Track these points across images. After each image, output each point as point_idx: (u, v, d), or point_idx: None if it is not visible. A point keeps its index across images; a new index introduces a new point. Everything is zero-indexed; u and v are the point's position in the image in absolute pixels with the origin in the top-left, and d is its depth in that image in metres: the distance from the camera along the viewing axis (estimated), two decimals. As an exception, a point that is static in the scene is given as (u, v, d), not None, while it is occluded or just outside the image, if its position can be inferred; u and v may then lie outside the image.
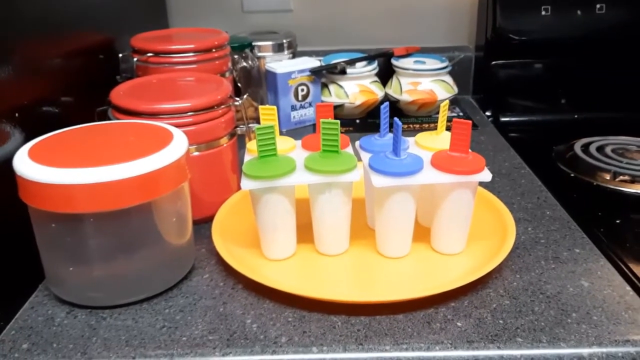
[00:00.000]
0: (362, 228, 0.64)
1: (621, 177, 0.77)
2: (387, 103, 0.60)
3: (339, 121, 0.54)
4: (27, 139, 0.55)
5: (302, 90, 0.94)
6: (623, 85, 1.03)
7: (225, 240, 0.59)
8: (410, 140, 0.63)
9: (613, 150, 0.85)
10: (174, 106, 0.61)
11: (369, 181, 0.58)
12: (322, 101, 0.96)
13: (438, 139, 0.61)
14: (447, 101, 0.62)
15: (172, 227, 0.54)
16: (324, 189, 0.56)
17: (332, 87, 0.97)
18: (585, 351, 0.46)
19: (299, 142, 0.63)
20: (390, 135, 0.60)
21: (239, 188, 0.68)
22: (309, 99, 0.95)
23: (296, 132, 0.94)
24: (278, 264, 0.58)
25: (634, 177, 0.76)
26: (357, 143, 0.62)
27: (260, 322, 0.50)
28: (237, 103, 0.68)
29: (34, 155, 0.50)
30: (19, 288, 0.54)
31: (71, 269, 0.51)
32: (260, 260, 0.58)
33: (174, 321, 0.50)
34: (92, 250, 0.50)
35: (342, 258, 0.59)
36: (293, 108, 0.94)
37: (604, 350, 0.46)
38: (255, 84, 0.95)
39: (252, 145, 0.60)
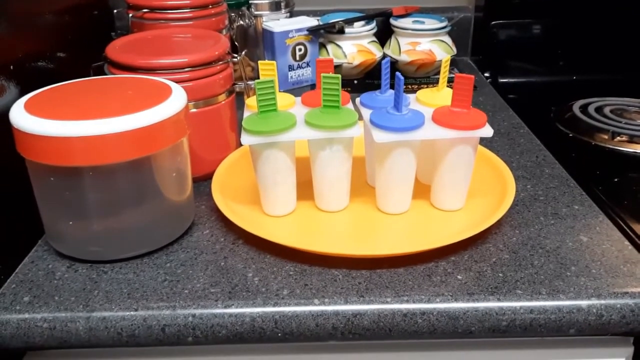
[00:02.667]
0: (362, 186, 0.64)
1: (619, 137, 0.77)
2: (388, 58, 0.60)
3: (339, 75, 0.54)
4: (22, 94, 0.54)
5: (300, 50, 0.93)
6: (622, 46, 1.02)
7: (225, 197, 0.59)
8: (411, 96, 0.62)
9: (612, 111, 0.84)
10: (171, 61, 0.60)
11: (369, 138, 0.58)
12: (319, 61, 0.94)
13: (439, 95, 0.60)
14: (449, 56, 0.62)
15: (172, 183, 0.54)
16: (325, 144, 0.55)
17: (329, 47, 0.95)
18: (584, 303, 0.47)
19: (299, 98, 0.62)
20: (391, 91, 0.60)
21: (238, 146, 0.68)
22: (306, 59, 0.94)
23: (294, 92, 0.92)
24: (278, 220, 0.58)
25: (632, 137, 0.77)
26: (358, 100, 0.61)
27: (262, 276, 0.50)
28: (235, 59, 0.67)
29: (30, 107, 0.49)
30: (18, 243, 0.54)
31: (71, 223, 0.51)
32: (261, 217, 0.58)
33: (175, 275, 0.50)
34: (91, 204, 0.50)
35: (342, 214, 0.59)
36: (290, 68, 0.93)
37: (603, 302, 0.47)
38: (252, 44, 0.94)
39: (251, 101, 0.59)
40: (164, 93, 0.52)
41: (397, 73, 0.54)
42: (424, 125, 0.55)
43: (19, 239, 0.54)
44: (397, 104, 0.55)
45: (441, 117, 0.55)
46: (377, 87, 0.61)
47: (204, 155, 0.64)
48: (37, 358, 0.50)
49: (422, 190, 0.61)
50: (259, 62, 0.59)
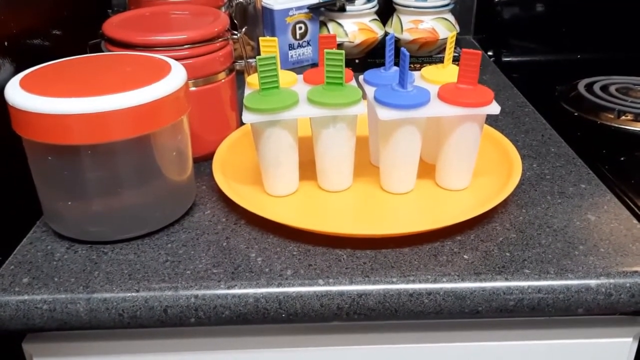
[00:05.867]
0: (365, 166, 0.63)
1: (625, 116, 0.76)
2: (392, 33, 0.58)
3: (343, 51, 0.52)
4: (17, 71, 0.52)
5: (300, 28, 0.91)
6: (627, 24, 1.00)
7: (227, 177, 0.58)
8: (416, 74, 0.61)
9: (617, 90, 0.83)
10: (170, 38, 0.59)
11: (373, 116, 0.57)
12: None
13: (444, 73, 0.59)
14: (455, 32, 0.60)
15: (173, 162, 0.53)
16: (328, 122, 0.54)
17: (330, 25, 0.93)
18: (592, 282, 0.46)
19: (301, 76, 0.61)
20: (396, 68, 0.58)
21: (238, 126, 0.67)
22: (307, 38, 0.92)
23: (294, 72, 0.91)
24: (281, 200, 0.57)
25: (637, 116, 0.76)
26: (361, 77, 0.60)
27: (265, 256, 0.49)
28: (235, 37, 0.65)
29: (26, 85, 0.47)
30: (15, 224, 0.53)
31: (70, 203, 0.50)
32: (263, 197, 0.57)
33: (177, 255, 0.49)
34: (90, 184, 0.49)
35: (346, 194, 0.58)
36: (291, 47, 0.91)
37: (612, 281, 0.46)
38: (251, 22, 0.92)
39: (252, 79, 0.58)
40: (163, 70, 0.51)
41: (403, 49, 0.52)
42: (430, 102, 0.53)
43: (16, 220, 0.53)
44: (402, 81, 0.53)
45: (447, 94, 0.54)
46: (379, 66, 0.60)
47: (205, 135, 0.63)
48: (37, 340, 0.50)
49: (426, 169, 0.60)
50: (260, 38, 0.57)
